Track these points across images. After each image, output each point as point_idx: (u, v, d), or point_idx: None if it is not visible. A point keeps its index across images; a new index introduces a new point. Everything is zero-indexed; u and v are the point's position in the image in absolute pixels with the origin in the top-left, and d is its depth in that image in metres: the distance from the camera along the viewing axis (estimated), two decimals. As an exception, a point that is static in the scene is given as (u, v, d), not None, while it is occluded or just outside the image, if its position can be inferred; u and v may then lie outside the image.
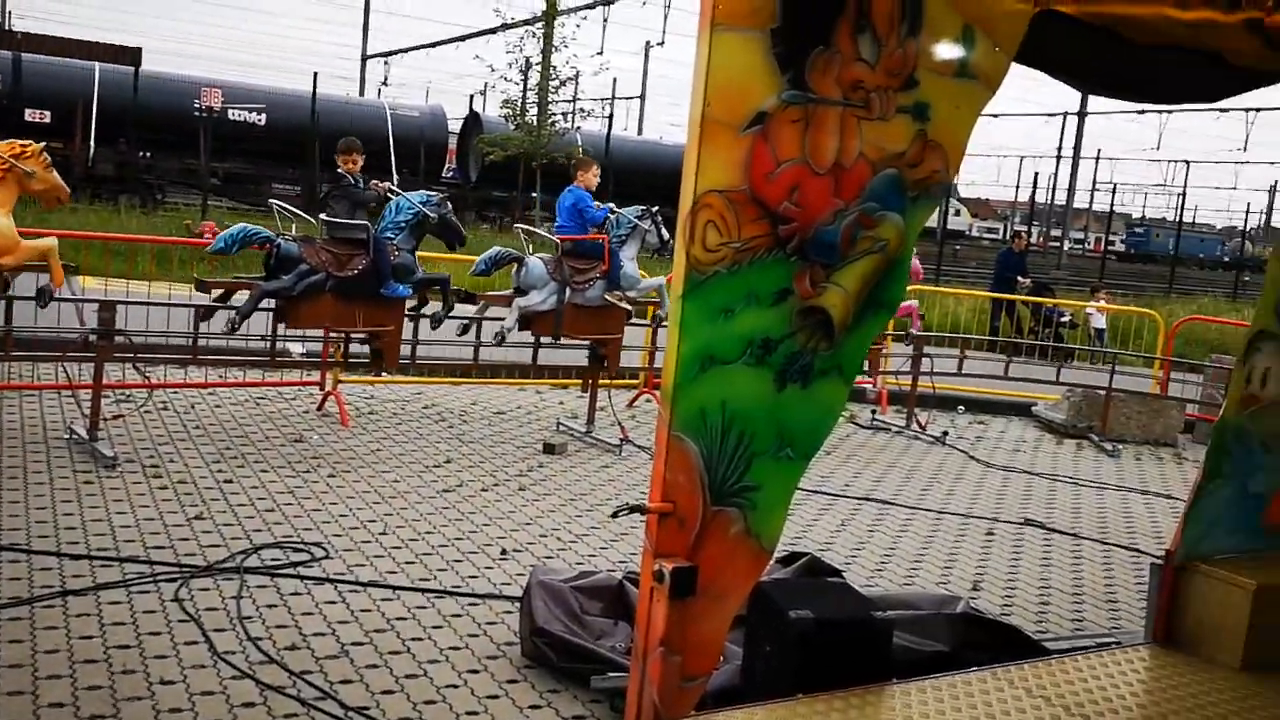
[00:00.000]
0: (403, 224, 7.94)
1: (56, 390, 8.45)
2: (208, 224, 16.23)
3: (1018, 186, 61.93)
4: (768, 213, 2.96)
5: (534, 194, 29.50)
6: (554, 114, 30.06)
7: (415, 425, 8.74)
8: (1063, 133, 47.44)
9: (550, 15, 28.98)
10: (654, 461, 3.01)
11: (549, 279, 8.42)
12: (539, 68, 29.26)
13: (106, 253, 11.01)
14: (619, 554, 6.04)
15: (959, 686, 3.44)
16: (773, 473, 3.14)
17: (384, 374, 9.41)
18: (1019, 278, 16.97)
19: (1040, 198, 49.15)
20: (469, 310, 8.77)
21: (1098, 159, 62.14)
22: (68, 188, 7.70)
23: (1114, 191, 45.52)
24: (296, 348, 9.59)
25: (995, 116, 45.48)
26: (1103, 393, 11.12)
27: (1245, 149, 60.18)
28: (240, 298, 7.60)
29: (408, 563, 5.58)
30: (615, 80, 44.17)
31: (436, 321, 8.41)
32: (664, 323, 6.50)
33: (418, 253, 8.22)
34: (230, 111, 29.58)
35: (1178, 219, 45.23)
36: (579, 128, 32.02)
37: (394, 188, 8.22)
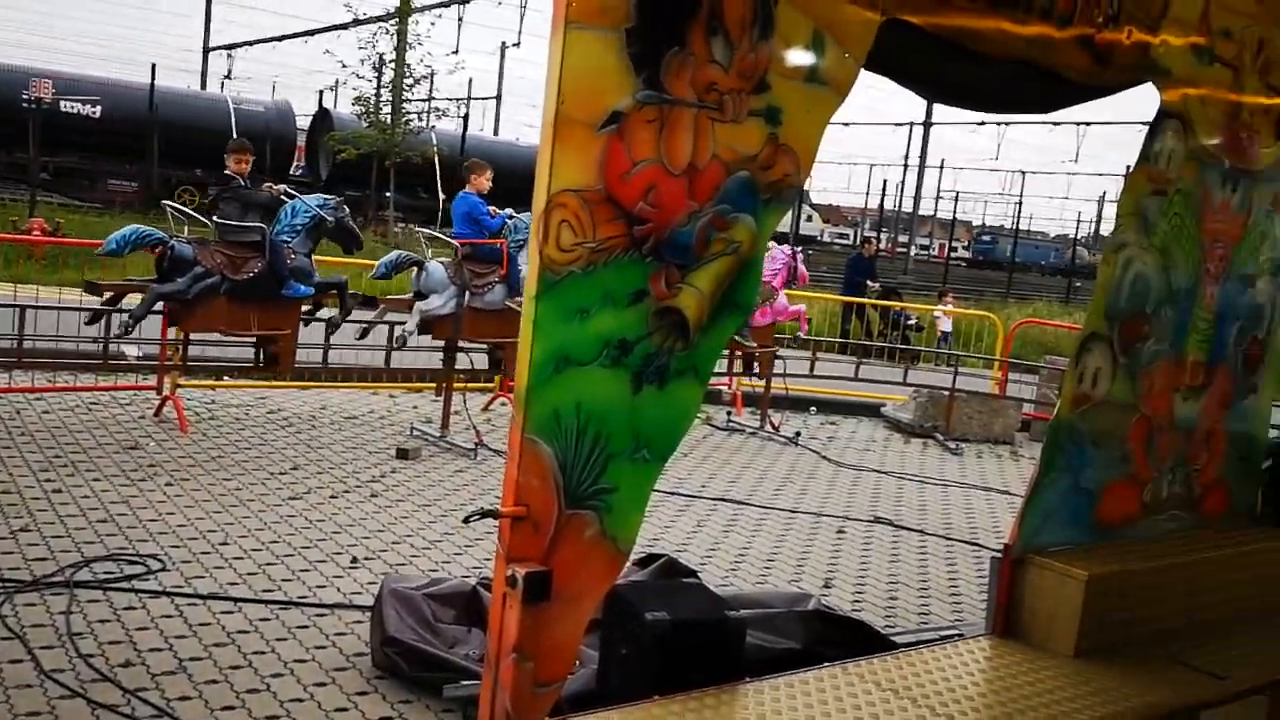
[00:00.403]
0: (299, 227, 7.91)
1: None
2: (36, 220, 15.38)
3: (867, 193, 63.80)
4: (623, 213, 2.94)
5: (388, 193, 28.93)
6: (408, 113, 29.54)
7: (260, 431, 8.44)
8: (909, 142, 49.31)
9: (404, 12, 28.49)
10: (507, 465, 2.95)
11: (449, 283, 8.46)
12: (393, 65, 28.72)
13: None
14: (474, 559, 5.95)
15: (810, 683, 3.48)
16: (629, 474, 3.11)
17: (277, 378, 9.29)
18: (868, 282, 17.48)
19: (889, 205, 50.80)
20: (368, 314, 8.79)
21: (942, 168, 64.48)
22: None
23: (957, 200, 47.36)
24: (132, 350, 9.16)
25: (846, 125, 46.83)
26: (946, 393, 11.53)
27: (1076, 160, 63.21)
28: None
29: (250, 574, 5.38)
30: (471, 80, 43.81)
31: (333, 326, 8.37)
32: None
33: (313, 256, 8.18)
34: (62, 103, 28.18)
35: (1014, 226, 47.37)
36: (434, 127, 31.55)
37: (290, 190, 8.21)
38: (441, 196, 30.30)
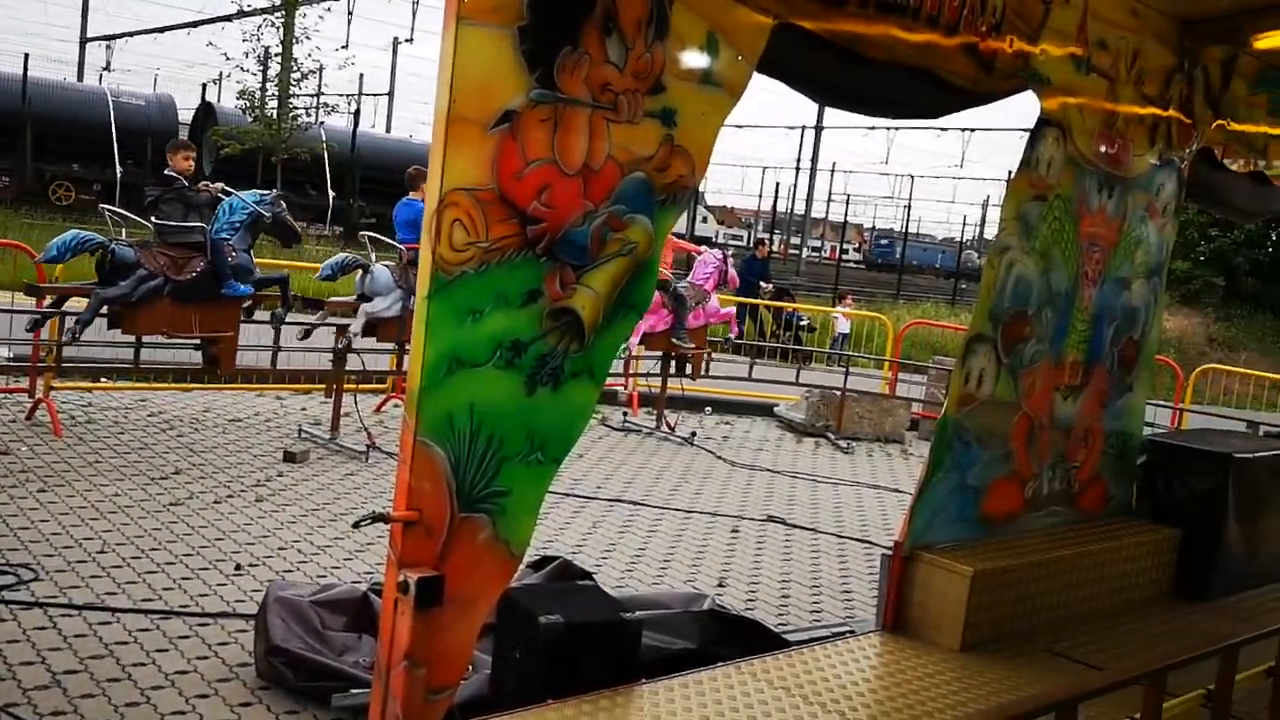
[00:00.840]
0: (237, 224, 7.87)
1: None
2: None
3: (760, 196, 64.68)
4: (517, 213, 2.91)
5: (275, 190, 28.26)
6: (296, 108, 28.88)
7: (139, 435, 8.15)
8: (801, 145, 49.96)
9: (290, 5, 27.84)
10: (399, 468, 2.90)
11: (394, 286, 8.52)
12: (279, 59, 28.05)
13: None
14: (365, 565, 5.83)
15: (704, 683, 3.50)
16: (523, 477, 3.08)
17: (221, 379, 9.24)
18: (761, 283, 17.67)
19: (781, 207, 51.44)
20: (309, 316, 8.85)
21: (833, 171, 65.75)
22: None
23: (848, 203, 48.18)
24: (2, 351, 8.77)
25: (740, 127, 47.25)
26: (838, 393, 11.72)
27: (962, 165, 65.12)
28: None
29: (129, 582, 5.19)
30: (362, 76, 42.79)
31: (277, 321, 8.38)
32: None
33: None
34: (-76, 94, 26.86)
35: (904, 230, 48.46)
36: (323, 123, 30.93)
37: (226, 188, 8.13)
38: (331, 194, 29.76)
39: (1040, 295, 4.57)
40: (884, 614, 4.30)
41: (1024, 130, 4.49)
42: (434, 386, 2.86)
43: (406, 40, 42.72)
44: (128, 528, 5.97)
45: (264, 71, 28.48)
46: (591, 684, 3.33)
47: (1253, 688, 3.67)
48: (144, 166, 29.22)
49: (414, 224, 8.83)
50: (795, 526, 7.75)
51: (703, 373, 11.38)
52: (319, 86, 30.56)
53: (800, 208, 52.88)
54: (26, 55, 26.12)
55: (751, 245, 30.45)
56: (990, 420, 4.50)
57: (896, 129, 47.11)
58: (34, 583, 5.03)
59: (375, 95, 46.28)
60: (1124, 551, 4.89)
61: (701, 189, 52.00)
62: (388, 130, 45.14)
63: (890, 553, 4.30)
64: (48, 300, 7.89)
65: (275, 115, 28.23)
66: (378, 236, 9.74)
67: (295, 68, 28.39)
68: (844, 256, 45.65)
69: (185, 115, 33.91)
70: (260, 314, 8.57)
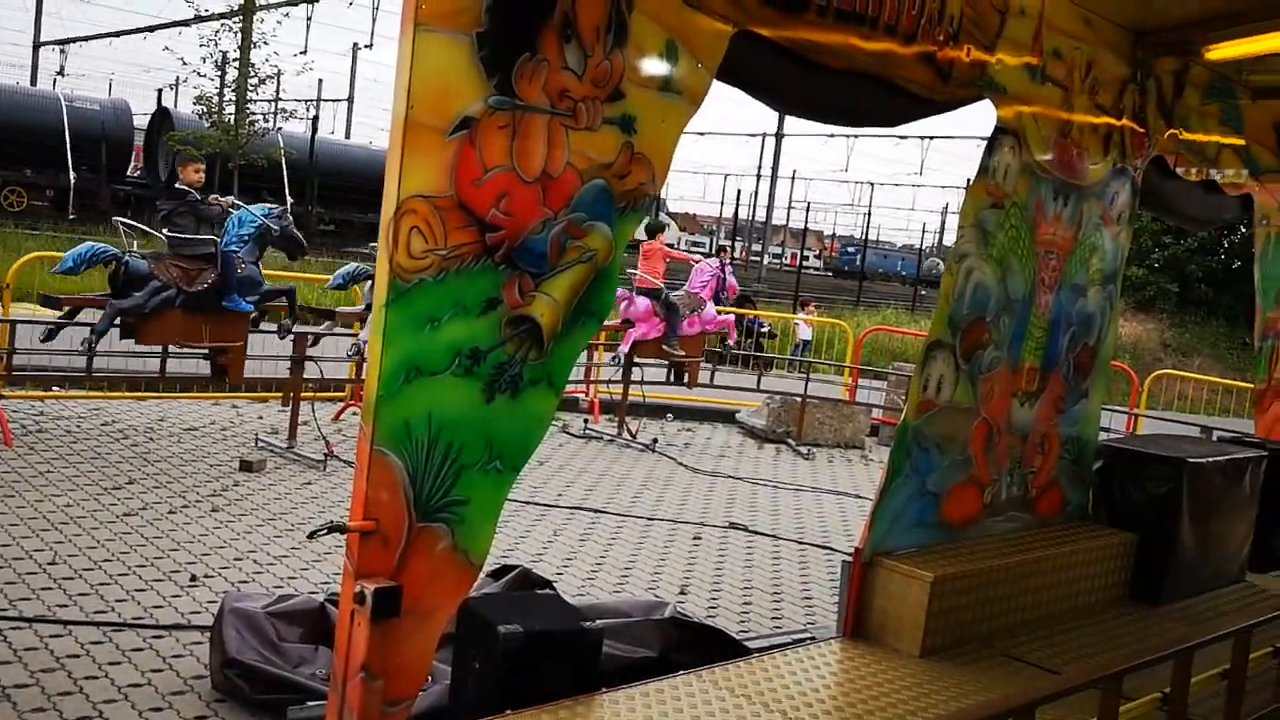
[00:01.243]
0: (246, 237, 8.04)
1: None
2: None
3: (722, 203, 64.85)
4: (475, 220, 2.89)
5: (232, 196, 27.94)
6: (254, 113, 28.59)
7: (92, 444, 8.02)
8: (762, 153, 50.14)
9: (248, 10, 27.55)
10: (355, 478, 2.87)
11: None
12: (236, 64, 27.76)
13: None
14: (322, 575, 5.77)
15: (665, 691, 3.49)
16: (481, 486, 3.06)
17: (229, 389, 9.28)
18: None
19: (743, 214, 51.67)
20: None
21: (794, 179, 66.02)
22: None
23: (808, 210, 48.41)
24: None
25: (701, 135, 47.42)
26: (799, 399, 11.76)
27: (921, 173, 65.58)
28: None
29: (81, 595, 5.10)
30: (321, 81, 42.49)
31: (284, 332, 8.48)
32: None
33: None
34: (-124, 98, 26.35)
35: (864, 237, 48.83)
36: (280, 129, 30.65)
37: (236, 201, 8.29)
38: (289, 200, 29.48)
39: (998, 302, 4.61)
40: (844, 620, 4.31)
41: (982, 138, 4.53)
42: (391, 395, 2.83)
43: (366, 46, 42.48)
44: (80, 539, 5.87)
45: (221, 77, 28.17)
46: (552, 694, 3.31)
47: (1207, 690, 3.72)
48: (98, 172, 28.85)
49: None
50: (757, 533, 7.76)
51: (710, 383, 11.52)
52: (277, 92, 30.25)
53: (761, 214, 53.11)
54: (-23, 59, 25.67)
55: (714, 252, 30.53)
56: (949, 426, 4.52)
57: (856, 137, 47.44)
58: (-18, 596, 4.93)
59: (334, 101, 46.03)
60: (1080, 556, 4.93)
61: (663, 196, 52.08)
62: (347, 136, 44.89)
63: (850, 559, 4.32)
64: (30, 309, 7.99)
65: (233, 121, 27.92)
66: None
67: (253, 73, 28.09)
68: (804, 263, 45.86)
69: (141, 120, 33.52)
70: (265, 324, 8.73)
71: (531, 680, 3.38)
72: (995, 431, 4.77)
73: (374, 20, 32.85)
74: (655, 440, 10.62)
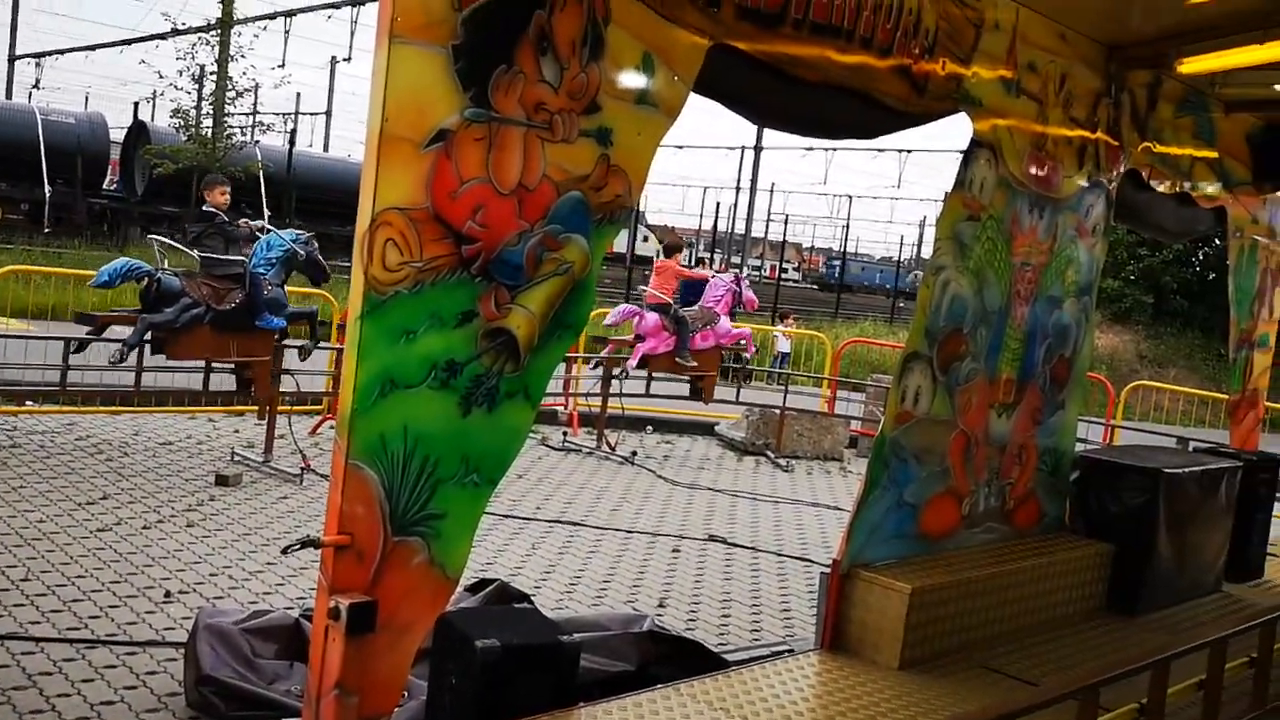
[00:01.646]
0: (274, 260, 8.29)
1: None
2: None
3: (701, 215, 65.04)
4: (451, 232, 2.89)
5: (262, 220, 27.74)
6: (231, 126, 28.46)
7: (66, 459, 7.95)
8: (741, 165, 50.33)
9: (226, 23, 27.45)
10: (330, 492, 2.84)
11: None
12: (214, 77, 27.64)
13: None
14: (297, 590, 5.72)
15: (643, 705, 3.47)
16: (458, 499, 3.05)
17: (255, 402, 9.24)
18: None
19: (722, 226, 51.77)
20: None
21: (773, 191, 66.31)
22: None
23: (786, 222, 48.69)
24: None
25: (680, 148, 47.45)
26: (778, 411, 11.78)
27: (899, 186, 66.09)
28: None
29: (54, 611, 5.04)
30: (299, 95, 42.36)
31: (305, 353, 8.67)
32: None
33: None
34: None
35: (842, 249, 49.01)
36: (258, 142, 30.52)
37: (266, 225, 8.54)
38: (267, 213, 29.33)
39: (975, 313, 4.63)
40: (823, 632, 4.30)
41: (958, 152, 4.55)
42: (366, 408, 2.81)
43: (345, 59, 42.36)
44: (53, 554, 5.81)
45: (198, 90, 28.04)
46: (529, 708, 3.29)
47: (1184, 701, 3.73)
48: (74, 186, 28.64)
49: None
50: (736, 545, 7.75)
51: (737, 400, 11.59)
52: (255, 105, 30.14)
53: (740, 227, 53.26)
54: (-49, 71, 25.48)
55: (693, 264, 30.58)
56: (927, 437, 4.53)
57: (834, 150, 47.56)
58: (-48, 613, 4.87)
59: (313, 114, 45.84)
60: (1058, 567, 4.94)
61: (642, 208, 52.17)
62: (325, 149, 44.75)
63: (829, 571, 4.31)
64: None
65: (210, 134, 27.79)
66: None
67: (230, 86, 27.97)
68: (783, 276, 46.01)
69: (117, 134, 33.34)
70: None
71: (509, 695, 3.35)
72: (973, 443, 4.78)
73: (352, 34, 32.76)
74: (634, 452, 10.60)
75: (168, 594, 5.44)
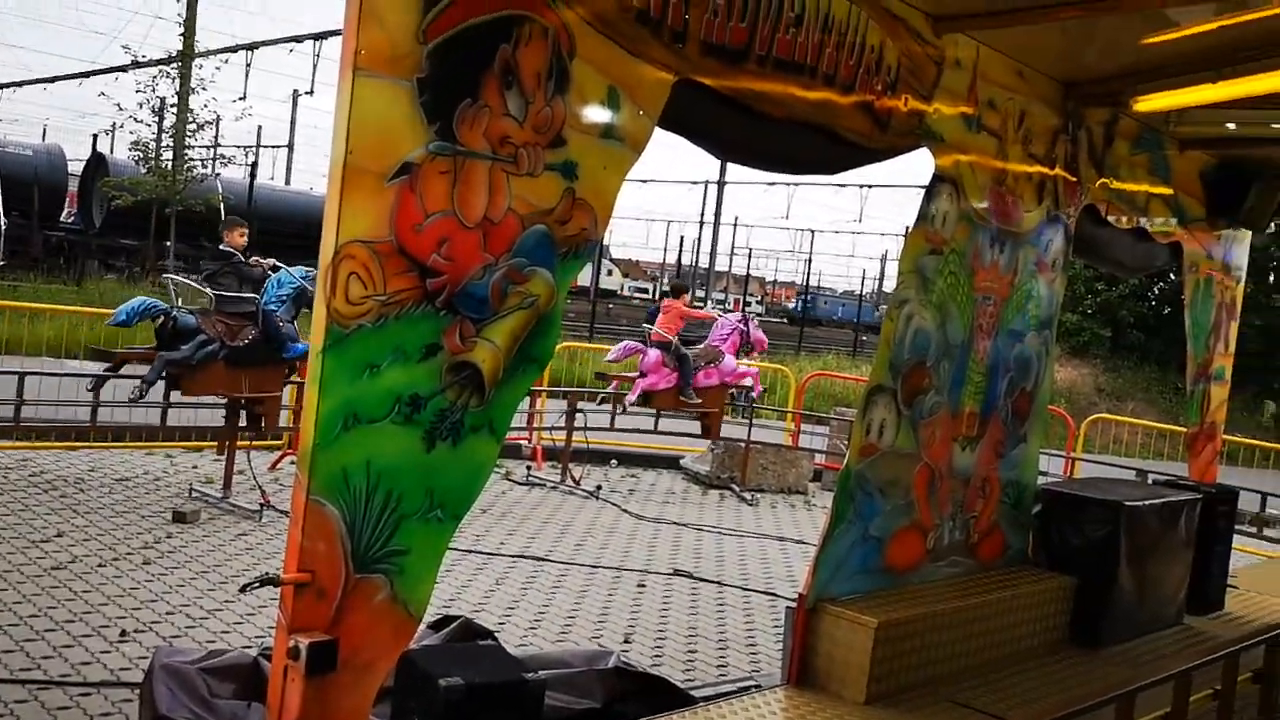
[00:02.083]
0: (284, 297, 8.47)
1: None
2: None
3: (665, 249, 65.32)
4: (415, 265, 2.87)
5: (168, 243, 27.51)
6: (191, 159, 28.27)
7: (20, 495, 7.80)
8: (704, 200, 50.53)
9: (187, 55, 27.33)
10: (290, 529, 2.80)
11: None
12: (174, 109, 27.48)
13: None
14: (257, 629, 5.63)
15: (611, 744, 3.43)
16: (421, 535, 3.01)
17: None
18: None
19: (685, 260, 51.94)
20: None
21: (735, 225, 66.64)
22: None
23: (750, 256, 48.96)
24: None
25: (644, 182, 47.71)
26: (742, 445, 11.78)
27: (860, 220, 66.69)
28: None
29: (6, 651, 4.93)
30: (261, 128, 42.25)
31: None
32: None
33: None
34: None
35: (805, 283, 49.34)
36: (219, 174, 30.32)
37: (277, 263, 8.69)
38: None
39: (938, 347, 4.66)
40: (789, 667, 4.27)
41: (920, 187, 4.59)
42: (328, 443, 2.78)
43: (306, 93, 42.30)
44: (5, 594, 5.68)
45: (159, 122, 27.86)
46: (493, 748, 3.24)
47: (1149, 733, 3.73)
48: (30, 218, 28.30)
49: None
50: (701, 580, 7.72)
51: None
52: (216, 138, 29.97)
53: (704, 261, 53.49)
54: (-94, 103, 25.16)
55: (657, 297, 30.68)
56: (892, 471, 4.54)
57: (797, 185, 48.06)
58: (-102, 655, 4.74)
59: (274, 147, 45.71)
60: (1022, 600, 4.95)
61: (607, 242, 52.29)
62: (287, 182, 44.58)
63: (794, 605, 4.29)
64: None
65: (170, 167, 27.58)
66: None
67: (191, 119, 27.80)
68: (748, 310, 46.19)
69: (76, 166, 33.03)
70: None
71: (472, 734, 3.30)
72: (937, 476, 4.79)
73: (315, 67, 32.73)
74: (599, 487, 10.56)
75: (123, 633, 5.33)
